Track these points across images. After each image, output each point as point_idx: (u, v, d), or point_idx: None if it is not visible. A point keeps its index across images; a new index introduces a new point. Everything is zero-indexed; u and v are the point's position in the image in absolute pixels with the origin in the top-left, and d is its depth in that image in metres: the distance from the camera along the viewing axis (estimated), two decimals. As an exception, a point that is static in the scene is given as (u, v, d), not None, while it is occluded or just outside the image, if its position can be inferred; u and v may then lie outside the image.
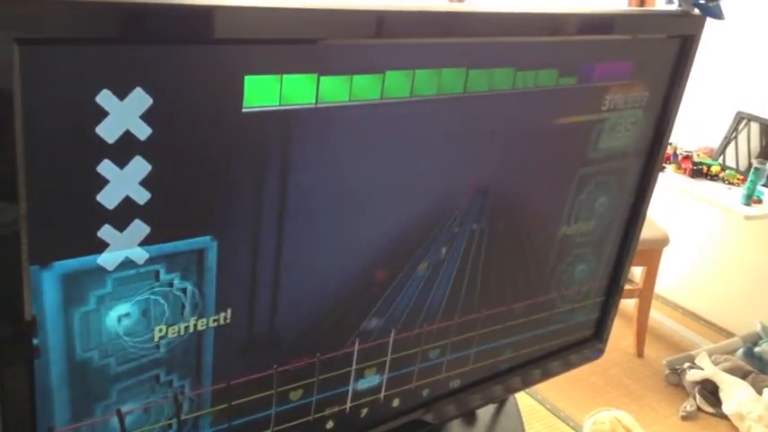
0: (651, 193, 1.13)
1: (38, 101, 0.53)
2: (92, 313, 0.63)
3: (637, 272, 2.97)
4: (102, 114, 0.57)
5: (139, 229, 0.63)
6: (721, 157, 2.97)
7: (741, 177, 2.79)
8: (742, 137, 2.95)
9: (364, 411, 0.94)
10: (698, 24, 1.01)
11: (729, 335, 2.98)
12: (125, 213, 0.61)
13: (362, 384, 0.91)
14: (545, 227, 1.02)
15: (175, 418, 0.73)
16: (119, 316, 0.65)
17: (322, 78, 0.68)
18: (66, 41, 0.53)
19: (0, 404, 0.61)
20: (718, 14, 0.99)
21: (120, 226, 0.62)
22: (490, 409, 1.22)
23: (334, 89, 0.69)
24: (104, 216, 0.60)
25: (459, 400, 1.06)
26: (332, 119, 0.71)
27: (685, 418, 2.53)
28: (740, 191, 2.67)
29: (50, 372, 0.63)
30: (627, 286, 2.79)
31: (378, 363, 0.91)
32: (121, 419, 0.69)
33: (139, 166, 0.60)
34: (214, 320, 0.72)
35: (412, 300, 0.89)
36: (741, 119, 2.95)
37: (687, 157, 2.87)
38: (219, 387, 0.76)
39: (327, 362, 0.85)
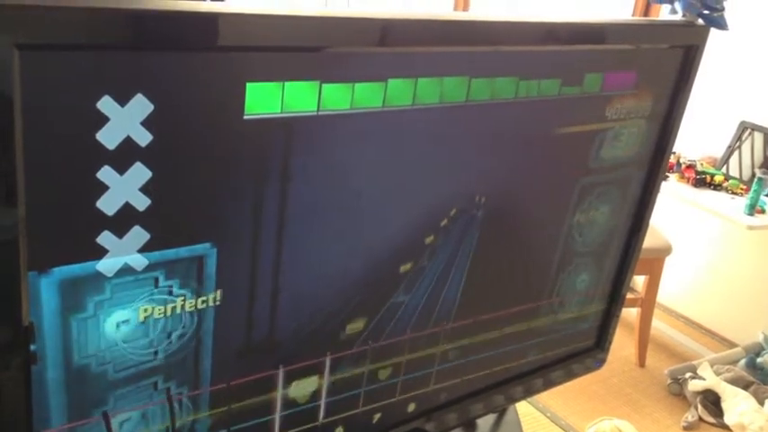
0: (654, 203, 1.12)
1: (38, 106, 0.53)
2: (90, 320, 0.63)
3: (639, 281, 2.97)
4: (102, 120, 0.57)
5: (139, 235, 0.63)
6: (725, 167, 2.97)
7: (744, 187, 2.78)
8: (746, 147, 2.94)
9: (377, 417, 0.93)
10: (702, 34, 1.01)
11: (731, 345, 2.97)
12: (125, 220, 0.61)
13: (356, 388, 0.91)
14: (547, 236, 1.02)
15: (173, 425, 0.73)
16: (117, 323, 0.64)
17: (324, 86, 0.68)
18: (68, 47, 0.53)
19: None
20: (721, 25, 0.98)
21: (120, 232, 0.61)
22: (490, 418, 1.22)
23: (336, 97, 0.69)
24: (104, 222, 0.60)
25: (461, 409, 1.06)
26: (333, 126, 0.71)
27: (687, 428, 2.52)
28: (743, 201, 2.66)
29: (48, 378, 0.62)
30: (629, 295, 2.80)
31: (373, 369, 0.90)
32: (116, 426, 0.69)
33: (139, 173, 0.60)
34: (213, 327, 0.71)
35: (411, 308, 0.89)
36: (745, 128, 2.94)
37: (690, 167, 2.87)
38: (218, 394, 0.75)
39: (323, 367, 0.85)
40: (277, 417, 0.83)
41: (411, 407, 0.98)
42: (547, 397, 2.46)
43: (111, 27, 0.55)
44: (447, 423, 1.05)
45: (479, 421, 1.20)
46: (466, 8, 3.86)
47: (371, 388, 0.91)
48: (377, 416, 0.94)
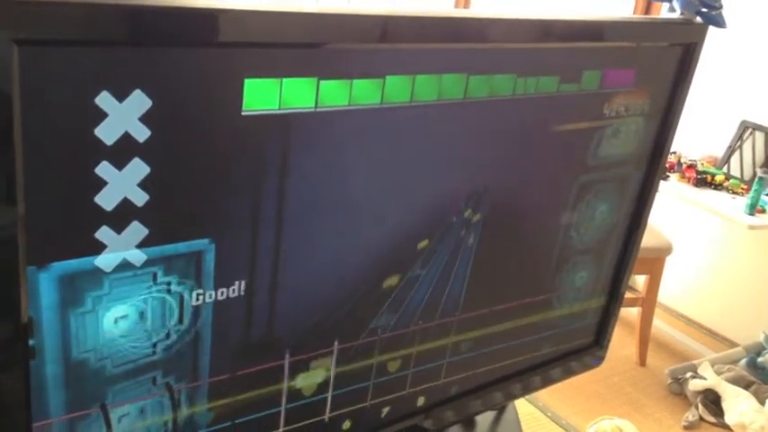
0: (652, 201, 1.12)
1: (37, 102, 0.53)
2: (88, 315, 0.63)
3: (640, 280, 2.97)
4: (101, 116, 0.57)
5: (137, 230, 0.63)
6: (725, 167, 2.97)
7: (745, 187, 2.79)
8: (746, 146, 2.94)
9: (385, 411, 0.94)
10: (700, 32, 1.01)
11: (732, 345, 2.97)
12: (123, 215, 0.61)
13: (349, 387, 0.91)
14: (546, 233, 1.02)
15: (174, 419, 0.73)
16: (116, 318, 0.65)
17: (322, 82, 0.68)
18: (66, 43, 0.54)
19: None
20: (719, 23, 0.99)
21: (119, 228, 0.62)
22: (489, 416, 1.22)
23: (334, 93, 0.69)
24: (102, 217, 0.60)
25: (459, 406, 1.06)
26: (331, 123, 0.71)
27: (687, 427, 2.52)
28: (744, 200, 2.66)
29: (46, 373, 0.63)
30: (630, 295, 2.80)
31: (368, 365, 0.90)
32: (114, 420, 0.69)
33: (138, 168, 0.60)
34: (212, 322, 0.72)
35: (407, 304, 0.89)
36: (746, 128, 2.94)
37: (691, 166, 2.87)
38: (219, 388, 0.75)
39: (325, 360, 0.85)
40: (282, 410, 0.83)
41: (420, 401, 0.99)
42: (547, 396, 2.46)
43: (110, 23, 0.55)
44: (445, 420, 1.06)
45: (478, 419, 1.20)
46: (467, 5, 3.86)
47: (377, 381, 0.91)
48: (385, 410, 0.95)
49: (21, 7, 0.51)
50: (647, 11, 3.01)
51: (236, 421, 0.79)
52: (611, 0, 3.44)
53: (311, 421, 0.86)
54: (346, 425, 0.91)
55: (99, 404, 0.67)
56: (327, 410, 0.88)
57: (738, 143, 2.96)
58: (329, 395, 0.86)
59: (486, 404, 1.12)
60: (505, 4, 3.82)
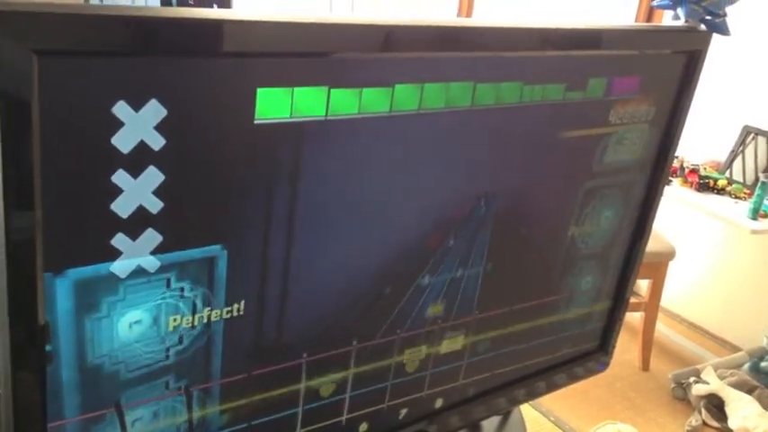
0: (657, 207, 1.13)
1: (55, 111, 0.55)
2: (104, 320, 0.64)
3: (643, 285, 2.97)
4: (117, 125, 0.58)
5: (152, 237, 0.64)
6: (728, 171, 2.98)
7: (748, 191, 2.79)
8: (749, 151, 2.95)
9: (403, 412, 0.95)
10: (704, 40, 1.02)
11: (735, 349, 2.98)
12: (138, 222, 0.62)
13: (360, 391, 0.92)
14: (552, 238, 1.03)
15: (187, 422, 0.74)
16: (130, 323, 0.66)
17: (332, 91, 0.69)
18: (85, 53, 0.55)
19: (13, 410, 0.62)
20: (724, 30, 1.00)
21: (133, 234, 0.63)
22: (494, 421, 1.22)
23: (345, 102, 0.70)
24: (118, 225, 0.61)
25: (464, 412, 1.06)
26: (342, 130, 0.72)
27: (691, 432, 2.53)
28: (747, 205, 2.67)
29: (62, 377, 0.63)
30: (633, 299, 2.81)
31: (386, 366, 0.91)
32: (129, 422, 0.70)
33: (153, 176, 0.61)
34: (224, 327, 0.72)
35: (416, 310, 0.90)
36: (748, 133, 2.95)
37: (694, 171, 2.88)
38: (232, 390, 0.76)
39: (317, 365, 0.86)
40: (299, 411, 0.84)
41: (438, 402, 1.00)
42: (550, 401, 2.46)
43: (127, 34, 0.56)
44: (450, 425, 1.06)
45: (484, 423, 1.21)
46: (470, 12, 3.88)
47: (395, 382, 0.92)
48: (403, 411, 0.96)
49: (40, 18, 0.52)
50: (649, 17, 3.02)
51: (252, 423, 0.80)
52: (613, 6, 3.45)
53: (328, 423, 0.87)
54: (363, 427, 0.92)
55: (113, 407, 0.68)
56: (345, 412, 0.89)
57: (741, 148, 2.97)
58: (347, 396, 0.87)
59: (490, 410, 1.13)
60: (506, 9, 3.84)
